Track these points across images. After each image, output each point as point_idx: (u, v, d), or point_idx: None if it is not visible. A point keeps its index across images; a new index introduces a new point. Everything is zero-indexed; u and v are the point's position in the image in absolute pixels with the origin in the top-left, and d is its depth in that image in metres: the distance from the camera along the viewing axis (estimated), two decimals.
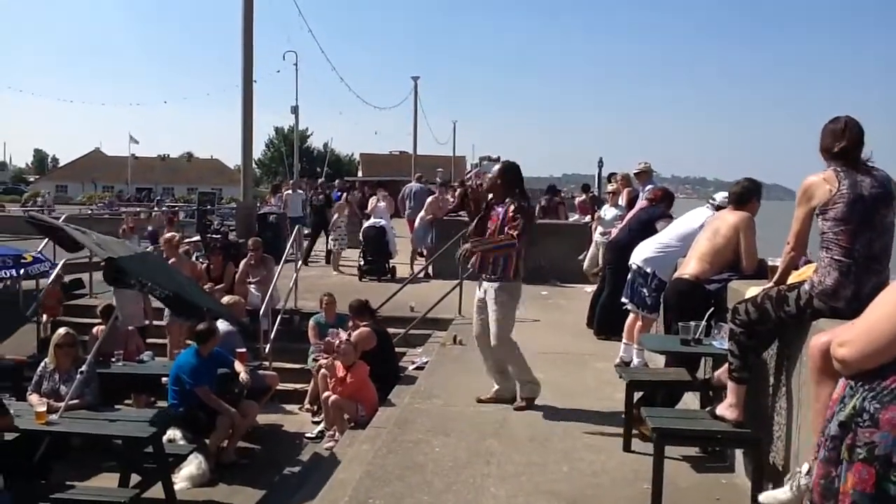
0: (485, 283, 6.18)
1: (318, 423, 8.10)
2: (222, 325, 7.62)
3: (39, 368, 6.61)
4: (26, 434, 5.91)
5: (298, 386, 9.32)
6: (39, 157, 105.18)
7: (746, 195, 5.45)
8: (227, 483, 6.82)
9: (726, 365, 4.13)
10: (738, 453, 4.77)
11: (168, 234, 10.65)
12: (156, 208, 27.70)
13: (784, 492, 3.06)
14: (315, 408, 8.64)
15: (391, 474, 4.69)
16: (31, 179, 78.99)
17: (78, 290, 12.26)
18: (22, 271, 11.40)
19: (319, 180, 31.87)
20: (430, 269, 14.01)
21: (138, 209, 23.82)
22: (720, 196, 6.72)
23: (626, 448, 5.18)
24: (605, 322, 8.43)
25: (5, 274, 11.24)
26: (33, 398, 6.36)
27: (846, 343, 2.17)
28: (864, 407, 2.08)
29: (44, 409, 5.79)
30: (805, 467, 3.09)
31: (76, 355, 6.56)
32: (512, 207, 5.99)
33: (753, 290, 4.41)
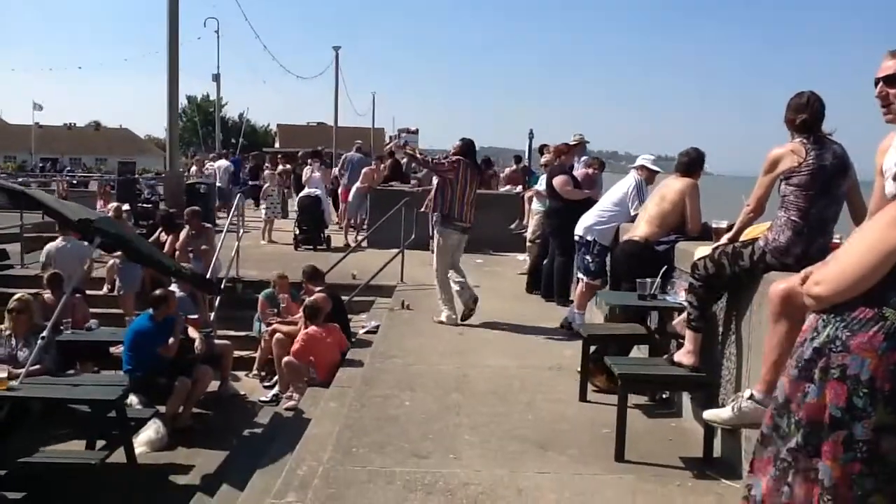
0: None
1: (270, 387, 8.24)
2: (176, 292, 7.66)
3: None
4: None
5: (244, 353, 9.40)
6: None
7: (692, 164, 5.88)
8: (184, 447, 6.92)
9: (684, 315, 4.52)
10: (686, 399, 5.21)
11: (115, 204, 10.51)
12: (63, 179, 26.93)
13: (726, 411, 3.49)
14: (264, 373, 8.78)
15: (368, 426, 4.94)
16: None
17: (3, 261, 11.96)
18: None
19: (225, 151, 31.40)
20: (357, 238, 14.22)
21: (69, 178, 23.14)
22: (641, 159, 7.36)
23: (583, 398, 5.57)
24: (550, 285, 8.84)
25: None
26: None
27: (821, 282, 2.52)
28: (836, 335, 2.44)
29: (4, 374, 5.77)
30: (747, 392, 3.51)
31: (32, 322, 6.51)
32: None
33: (702, 249, 4.81)
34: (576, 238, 7.32)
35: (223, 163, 18.35)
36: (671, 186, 5.87)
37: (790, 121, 4.10)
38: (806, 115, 4.02)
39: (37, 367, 6.12)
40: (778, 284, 3.40)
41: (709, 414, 3.62)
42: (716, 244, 4.44)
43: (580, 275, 7.30)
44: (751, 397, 3.37)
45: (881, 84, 2.83)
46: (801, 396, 2.49)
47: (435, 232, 8.19)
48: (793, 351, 2.65)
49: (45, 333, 6.15)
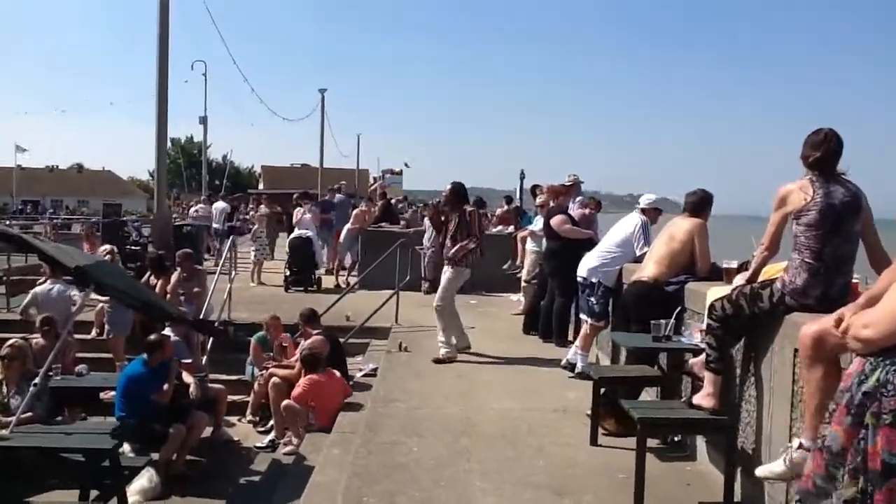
0: None
1: (264, 432, 8.05)
2: (171, 336, 7.49)
3: None
4: None
5: (236, 398, 9.20)
6: None
7: (701, 204, 5.85)
8: (179, 495, 6.71)
9: (702, 356, 4.43)
10: (700, 442, 5.11)
11: (107, 247, 10.35)
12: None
13: (778, 465, 3.36)
14: (258, 418, 8.58)
15: (377, 474, 4.78)
16: None
17: None
18: None
19: (220, 194, 31.30)
20: (349, 280, 14.11)
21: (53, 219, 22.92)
22: (644, 199, 7.39)
23: (593, 442, 5.45)
24: (548, 325, 8.75)
25: None
26: None
27: (870, 325, 2.45)
28: (888, 379, 2.36)
29: None
30: (796, 442, 3.40)
31: (25, 368, 6.33)
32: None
33: (715, 290, 4.76)
34: (579, 279, 7.25)
35: (220, 205, 18.29)
36: (680, 226, 5.82)
37: (805, 157, 4.05)
38: (820, 153, 3.98)
39: (28, 414, 5.95)
40: (809, 327, 3.31)
41: (761, 471, 3.49)
42: (734, 286, 4.36)
43: (584, 317, 7.21)
44: (800, 446, 3.26)
45: None
46: (857, 443, 2.40)
47: (448, 268, 8.30)
48: (839, 397, 2.56)
49: (37, 380, 5.98)
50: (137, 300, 5.74)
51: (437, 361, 7.97)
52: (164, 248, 14.06)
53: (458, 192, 8.40)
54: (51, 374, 7.33)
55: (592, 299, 7.03)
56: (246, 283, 14.53)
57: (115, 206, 23.36)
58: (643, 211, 7.19)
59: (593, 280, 7.03)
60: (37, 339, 7.77)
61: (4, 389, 6.28)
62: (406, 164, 47.05)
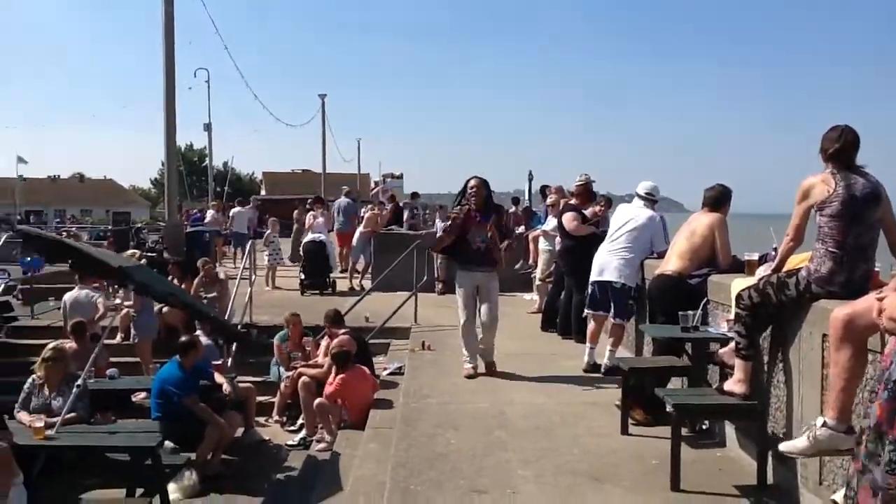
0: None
1: (293, 431, 8.24)
2: (201, 338, 7.68)
3: (27, 385, 6.55)
4: (21, 451, 5.86)
5: (262, 398, 9.39)
6: None
7: (720, 199, 6.04)
8: (217, 493, 6.89)
9: (731, 345, 4.63)
10: (729, 430, 5.30)
11: (132, 251, 10.54)
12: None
13: (801, 441, 3.56)
14: (285, 418, 8.77)
15: (420, 465, 4.96)
16: None
17: (7, 314, 11.91)
18: None
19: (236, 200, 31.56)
20: (362, 282, 14.29)
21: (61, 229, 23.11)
22: (643, 188, 7.35)
23: (624, 431, 5.63)
24: (567, 322, 8.93)
25: None
26: (22, 416, 6.30)
27: None
28: None
29: (41, 424, 5.77)
30: (820, 420, 3.59)
31: (66, 370, 6.52)
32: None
33: (739, 281, 4.96)
34: (601, 281, 7.23)
35: (241, 210, 18.61)
36: (700, 221, 6.01)
37: (824, 151, 4.25)
38: (838, 146, 4.18)
39: (72, 415, 6.12)
40: (841, 310, 3.49)
41: (785, 446, 3.69)
42: (760, 276, 4.56)
43: (613, 318, 7.21)
44: (824, 424, 3.45)
45: None
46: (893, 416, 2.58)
47: (494, 273, 7.70)
48: (881, 376, 2.74)
49: (79, 382, 6.17)
50: (177, 300, 5.92)
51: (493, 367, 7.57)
52: (177, 254, 14.29)
53: (490, 190, 7.67)
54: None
55: (622, 301, 7.09)
56: (261, 287, 14.73)
57: (124, 215, 23.56)
58: (643, 197, 7.26)
59: (622, 282, 7.07)
60: (70, 344, 7.95)
61: (46, 391, 6.46)
62: (393, 175, 47.24)
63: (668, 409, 4.59)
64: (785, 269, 4.51)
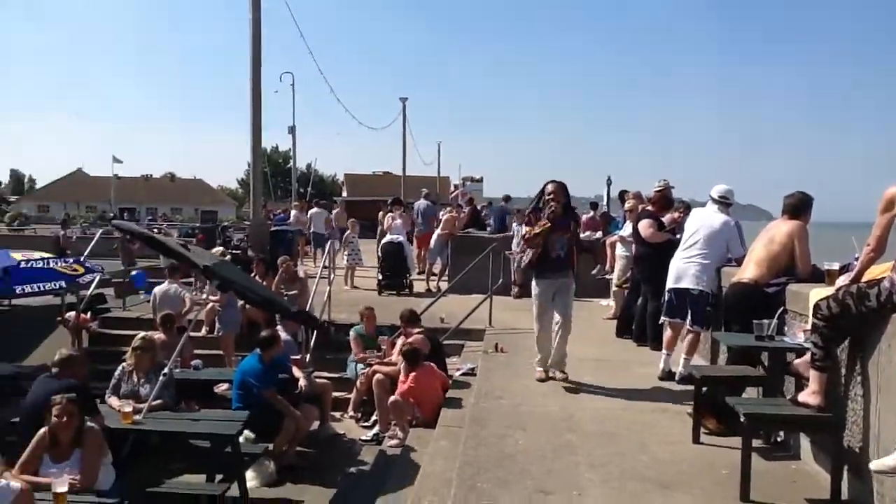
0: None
1: (367, 427, 8.43)
2: (281, 334, 7.94)
3: (117, 372, 6.89)
4: (111, 434, 6.19)
5: (338, 394, 9.63)
6: (16, 176, 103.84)
7: (801, 206, 5.91)
8: (293, 483, 7.12)
9: (807, 355, 4.54)
10: (805, 442, 5.19)
11: (219, 249, 10.98)
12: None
13: (892, 458, 3.47)
14: (360, 414, 8.98)
15: (488, 464, 5.03)
16: (12, 199, 78.13)
17: (101, 305, 12.51)
18: (72, 282, 11.67)
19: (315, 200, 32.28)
20: (439, 284, 14.42)
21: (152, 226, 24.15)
22: (717, 191, 7.19)
23: (696, 440, 5.58)
24: (642, 329, 8.87)
25: (56, 286, 11.46)
26: (112, 401, 6.63)
27: None
28: None
29: (130, 409, 6.08)
30: None
31: (154, 359, 6.85)
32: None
33: (817, 291, 4.86)
34: (682, 288, 7.13)
35: (320, 210, 19.14)
36: (780, 229, 5.90)
37: None
38: None
39: (158, 402, 6.42)
40: None
41: (875, 464, 3.62)
42: (839, 285, 4.46)
43: (690, 325, 7.10)
44: None
45: None
46: None
47: (573, 279, 7.51)
48: None
49: (166, 370, 6.47)
50: (258, 296, 6.16)
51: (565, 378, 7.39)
52: (261, 252, 14.74)
53: (568, 195, 7.37)
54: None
55: (700, 308, 6.98)
56: (340, 286, 15.06)
57: (211, 213, 24.45)
58: (717, 201, 7.13)
59: (701, 290, 6.97)
60: (159, 335, 8.33)
61: (135, 378, 6.79)
62: (473, 179, 47.39)
63: (741, 418, 4.54)
64: (865, 279, 4.41)
